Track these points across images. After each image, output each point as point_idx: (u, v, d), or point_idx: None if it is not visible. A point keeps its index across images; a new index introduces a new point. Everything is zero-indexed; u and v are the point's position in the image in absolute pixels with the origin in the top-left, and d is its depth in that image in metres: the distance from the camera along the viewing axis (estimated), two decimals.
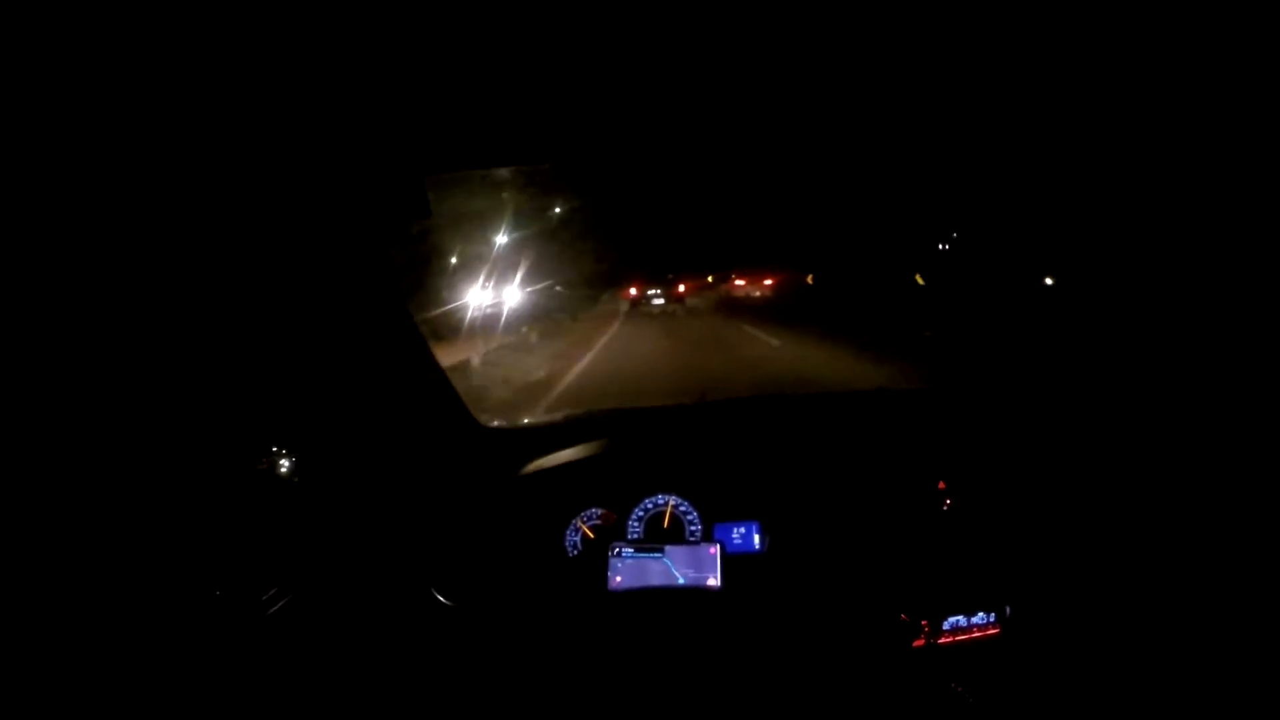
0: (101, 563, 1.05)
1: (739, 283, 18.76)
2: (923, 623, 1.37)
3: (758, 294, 17.85)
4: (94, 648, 1.02)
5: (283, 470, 1.35)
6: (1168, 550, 1.41)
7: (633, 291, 15.94)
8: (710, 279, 21.55)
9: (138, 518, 1.11)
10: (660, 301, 15.48)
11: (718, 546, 1.46)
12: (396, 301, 1.44)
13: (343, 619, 1.32)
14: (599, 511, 1.55)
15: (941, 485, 1.54)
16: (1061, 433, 1.66)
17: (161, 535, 1.14)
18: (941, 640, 1.37)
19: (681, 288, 17.00)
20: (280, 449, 1.35)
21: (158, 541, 1.13)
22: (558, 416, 1.90)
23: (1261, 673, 1.20)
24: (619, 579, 1.44)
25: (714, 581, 1.44)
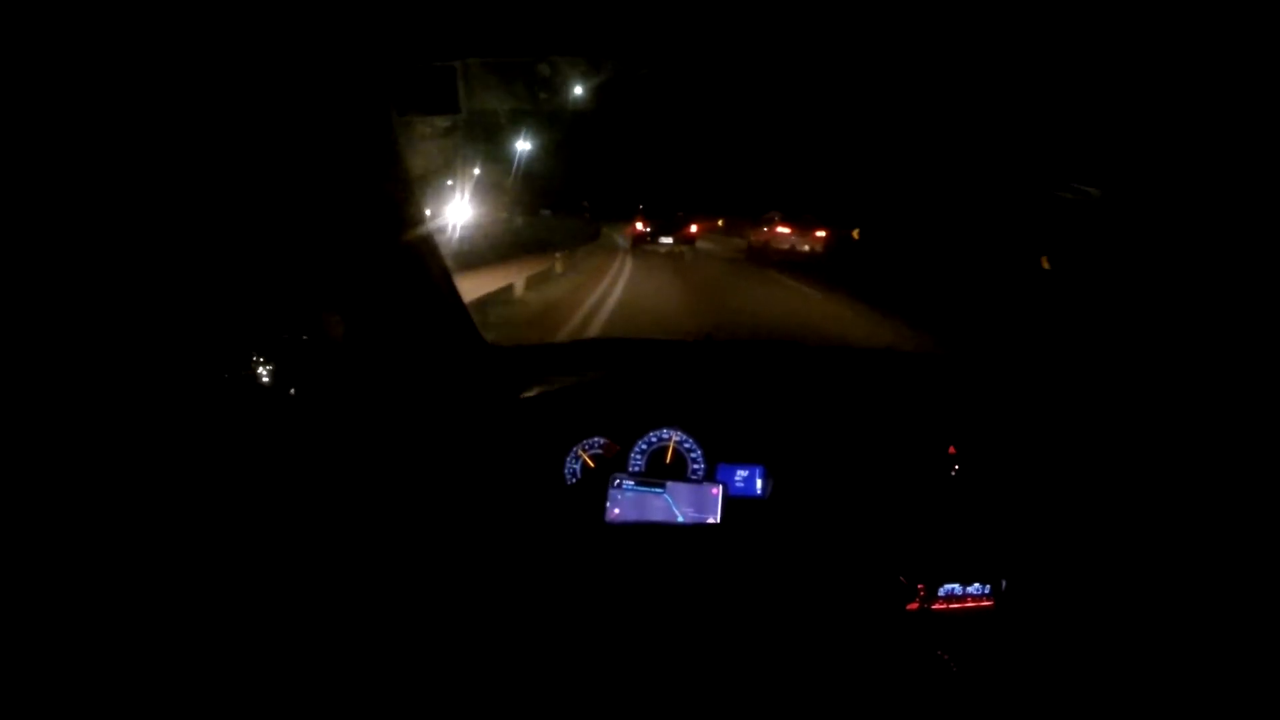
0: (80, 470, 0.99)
1: (781, 230, 13.66)
2: (918, 586, 1.35)
3: (806, 248, 13.38)
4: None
5: (263, 379, 1.28)
6: (1171, 551, 1.39)
7: (639, 226, 14.97)
8: (720, 223, 19.06)
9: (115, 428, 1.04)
10: (668, 240, 14.45)
11: (720, 488, 1.43)
12: (408, 203, 1.33)
13: (327, 538, 1.26)
14: (601, 441, 1.50)
15: (952, 450, 1.51)
16: (1076, 415, 1.62)
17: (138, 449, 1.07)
18: (935, 606, 1.35)
19: (694, 228, 15.05)
20: (259, 357, 1.27)
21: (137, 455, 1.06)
22: (564, 340, 1.83)
23: (1261, 675, 1.19)
24: (617, 511, 1.41)
25: (714, 522, 1.41)
